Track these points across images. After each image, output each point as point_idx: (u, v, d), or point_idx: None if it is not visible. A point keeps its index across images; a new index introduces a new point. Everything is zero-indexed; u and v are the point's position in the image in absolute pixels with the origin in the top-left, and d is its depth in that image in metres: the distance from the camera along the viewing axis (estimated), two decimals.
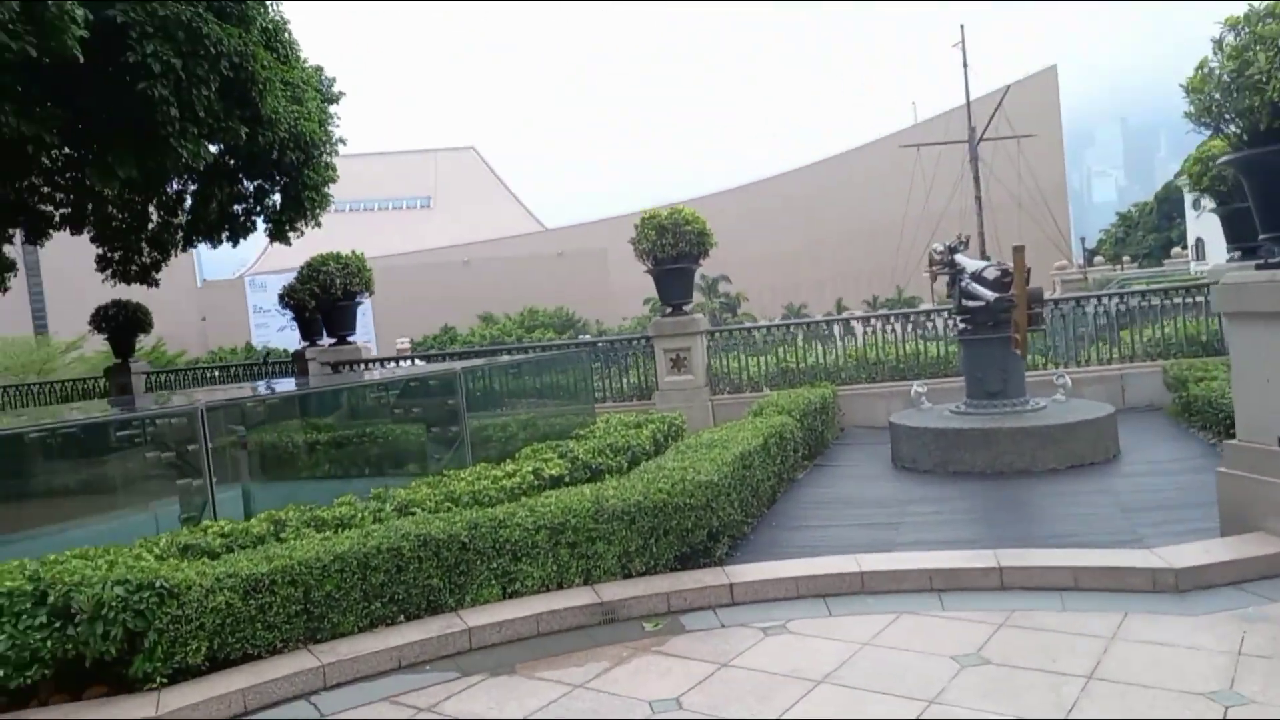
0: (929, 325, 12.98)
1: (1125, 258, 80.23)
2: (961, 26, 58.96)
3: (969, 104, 59.61)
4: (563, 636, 5.31)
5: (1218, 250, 63.65)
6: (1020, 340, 8.34)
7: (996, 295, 8.20)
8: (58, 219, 15.99)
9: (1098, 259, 77.30)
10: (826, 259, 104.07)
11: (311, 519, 5.96)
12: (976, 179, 58.00)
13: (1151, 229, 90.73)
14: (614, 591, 5.58)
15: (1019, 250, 8.16)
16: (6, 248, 16.49)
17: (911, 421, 9.45)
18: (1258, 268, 5.53)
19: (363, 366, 14.28)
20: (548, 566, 5.65)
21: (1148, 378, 11.65)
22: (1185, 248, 72.65)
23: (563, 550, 5.67)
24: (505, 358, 12.48)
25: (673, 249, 12.38)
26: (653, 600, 5.52)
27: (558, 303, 75.51)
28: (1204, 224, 72.00)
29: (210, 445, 6.35)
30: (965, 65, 60.69)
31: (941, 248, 10.27)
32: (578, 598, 5.53)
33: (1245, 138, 5.33)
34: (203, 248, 17.82)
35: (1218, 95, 5.30)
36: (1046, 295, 9.62)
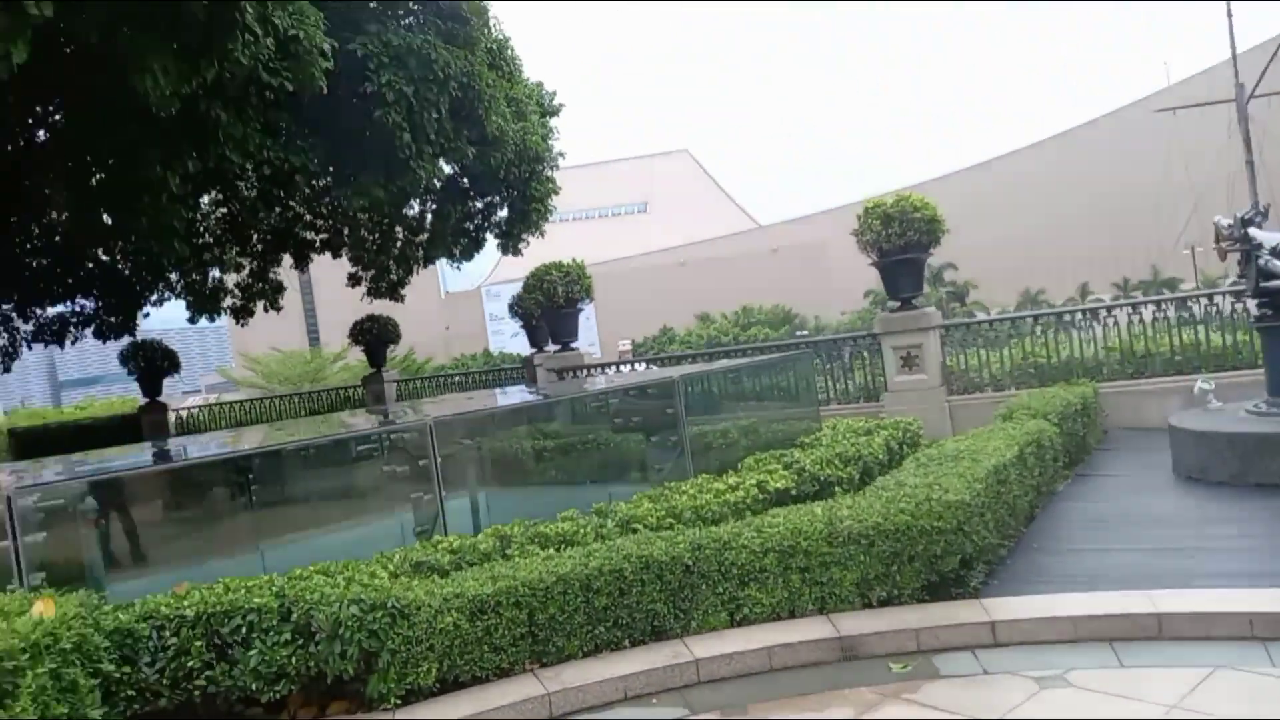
0: (1211, 310, 11.20)
1: None
2: None
3: (1235, 56, 52.63)
4: (797, 673, 4.82)
5: None
6: None
7: None
8: (318, 243, 17.58)
9: None
10: (1067, 240, 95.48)
11: (535, 535, 5.85)
12: (1248, 141, 51.09)
13: None
14: (853, 624, 5.02)
15: None
16: (278, 271, 18.37)
17: (1199, 424, 8.08)
18: None
19: (585, 372, 14.45)
20: (777, 593, 5.18)
21: None
22: None
23: (794, 576, 5.18)
24: (723, 362, 12.10)
25: (899, 239, 11.50)
26: (899, 637, 4.90)
27: (774, 299, 74.45)
28: None
29: (440, 458, 6.44)
30: (1229, 13, 53.71)
31: (1229, 221, 8.75)
32: (813, 630, 5.02)
33: None
34: (444, 261, 18.98)
35: None
36: None
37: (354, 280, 18.31)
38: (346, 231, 16.85)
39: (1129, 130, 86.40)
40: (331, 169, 12.71)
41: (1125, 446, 9.96)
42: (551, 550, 5.56)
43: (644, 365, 16.83)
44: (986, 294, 75.45)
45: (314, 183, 13.78)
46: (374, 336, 18.63)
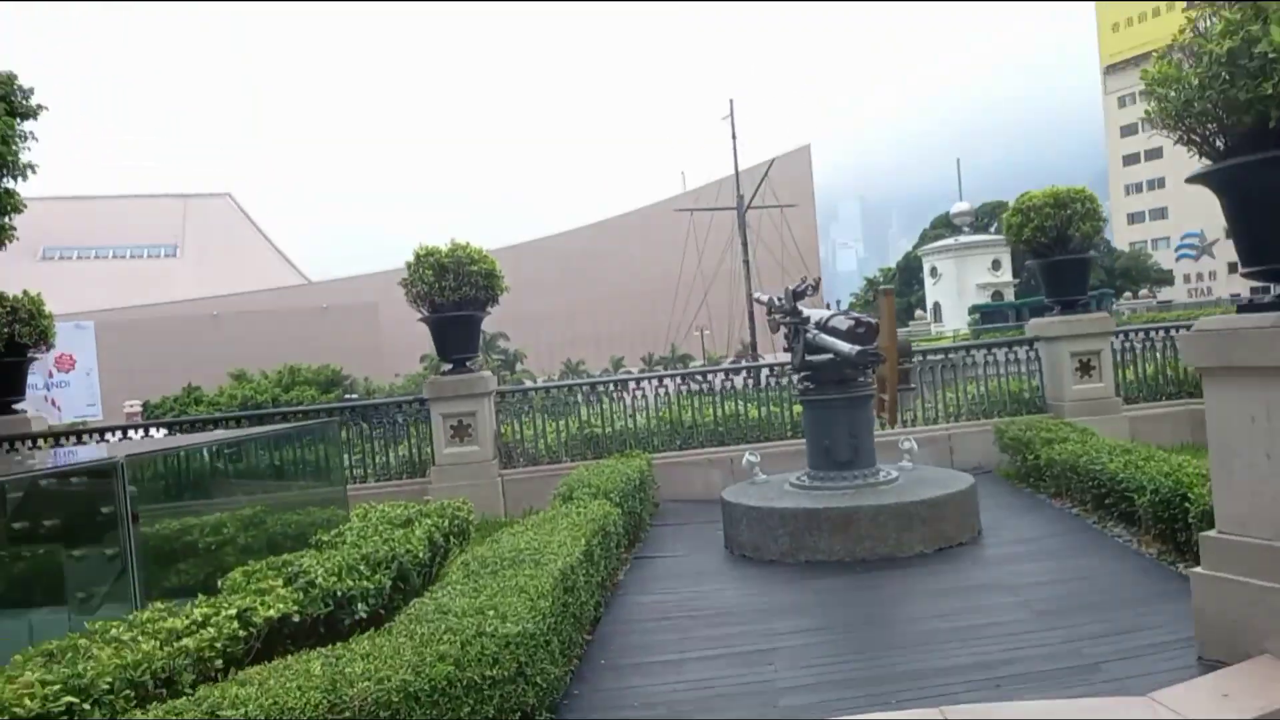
0: (727, 384, 11.56)
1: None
2: (730, 101, 61.45)
3: (737, 173, 62.12)
4: None
5: (953, 315, 69.82)
6: (890, 402, 6.93)
7: (859, 348, 6.75)
8: None
9: None
10: (603, 316, 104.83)
11: None
12: (745, 243, 60.16)
13: (895, 294, 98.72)
14: None
15: (887, 294, 6.79)
16: None
17: (752, 500, 7.77)
18: (1241, 309, 4.27)
19: (27, 445, 10.65)
20: None
21: (975, 437, 10.82)
22: (925, 311, 79.36)
23: None
24: (219, 433, 9.57)
25: (454, 293, 10.20)
26: None
27: (324, 359, 69.82)
28: (940, 289, 79.31)
29: None
30: (734, 137, 63.30)
31: (765, 297, 8.86)
32: None
33: (1228, 143, 4.07)
34: None
35: (1195, 82, 4.01)
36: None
37: None
38: None
39: (655, 223, 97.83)
40: None
41: (677, 519, 9.56)
42: None
43: (158, 430, 13.26)
44: (535, 363, 78.80)
45: None
46: None
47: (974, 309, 62.20)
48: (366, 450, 10.68)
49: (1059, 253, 10.75)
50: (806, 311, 8.05)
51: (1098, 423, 10.09)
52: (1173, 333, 11.21)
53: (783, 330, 8.10)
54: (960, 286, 74.53)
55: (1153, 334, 11.23)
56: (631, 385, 11.27)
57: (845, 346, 6.94)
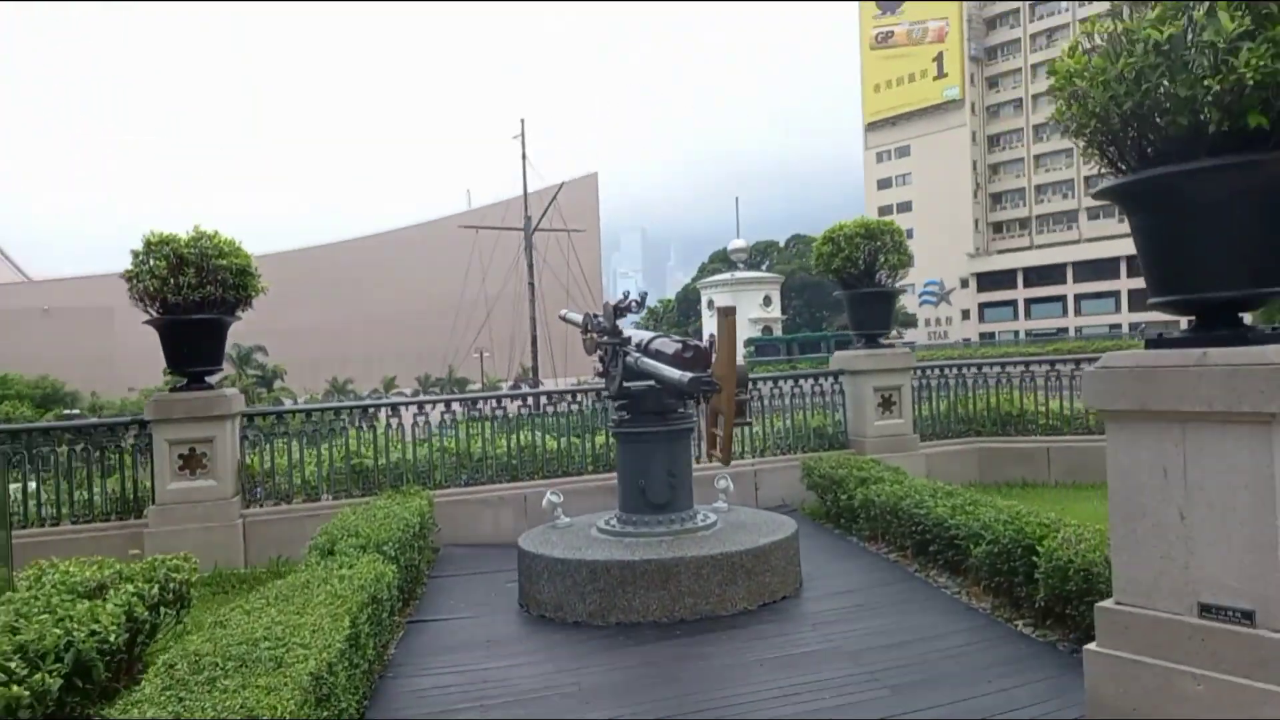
0: (524, 410, 10.41)
1: None
2: (522, 120, 60.70)
3: (526, 194, 61.33)
4: None
5: None
6: (724, 439, 6.04)
7: (691, 375, 5.82)
8: None
9: None
10: (377, 335, 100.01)
11: None
12: (531, 266, 59.37)
13: (673, 324, 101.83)
14: None
15: (728, 315, 5.92)
16: None
17: (556, 550, 6.62)
18: (1152, 345, 3.71)
19: None
20: None
21: (780, 473, 10.32)
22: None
23: None
24: None
25: (195, 291, 8.33)
26: None
27: (44, 370, 60.91)
28: (717, 322, 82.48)
29: None
30: (524, 157, 62.58)
31: (581, 316, 7.84)
32: None
33: (1154, 149, 3.50)
34: None
35: (1120, 89, 3.41)
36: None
37: None
38: None
39: (437, 240, 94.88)
40: None
41: (461, 568, 8.22)
42: None
43: None
44: (297, 381, 73.39)
45: None
46: None
47: (749, 341, 64.89)
48: (61, 483, 8.44)
49: (866, 285, 10.55)
50: (627, 331, 7.08)
51: (898, 459, 9.89)
52: (964, 370, 11.36)
53: (599, 354, 7.07)
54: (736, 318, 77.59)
55: (947, 371, 11.31)
56: (411, 410, 9.80)
57: (674, 373, 6.00)
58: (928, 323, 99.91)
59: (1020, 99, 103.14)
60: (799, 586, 6.82)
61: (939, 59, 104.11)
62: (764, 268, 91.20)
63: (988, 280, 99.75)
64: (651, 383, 6.88)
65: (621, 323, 6.94)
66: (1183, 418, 3.49)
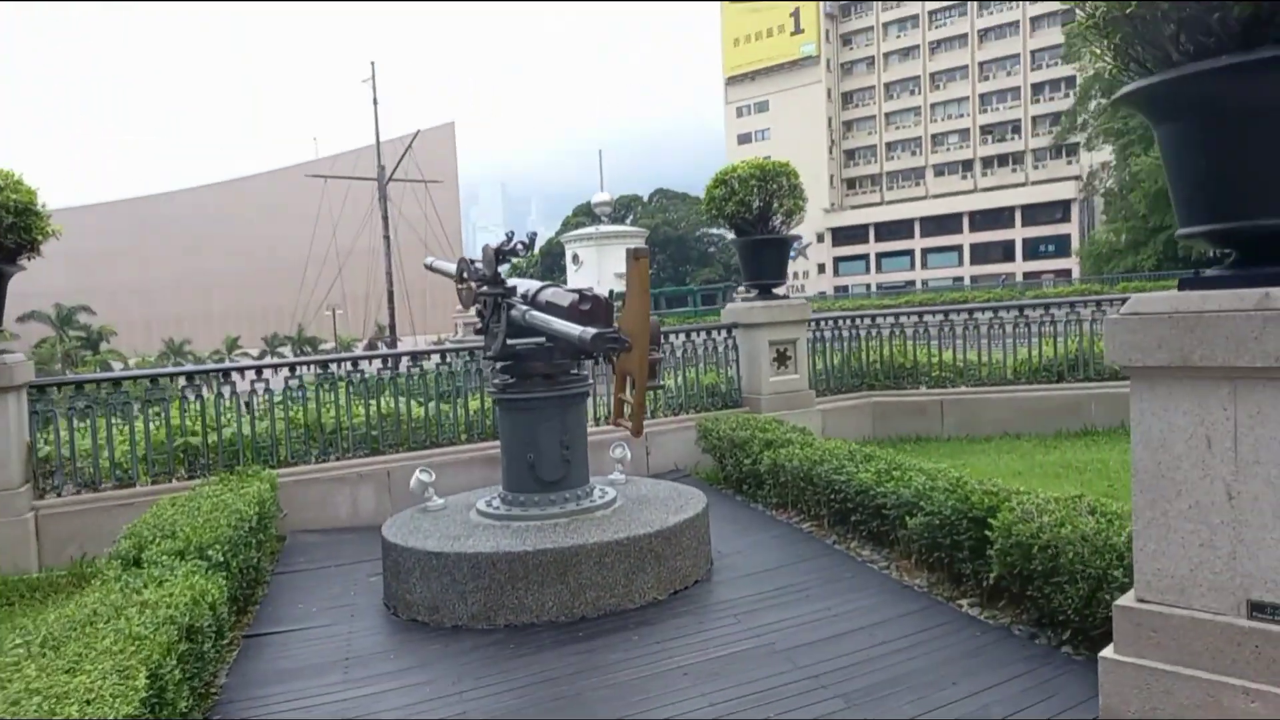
0: (385, 373, 9.17)
1: None
2: (372, 63, 57.11)
3: (378, 140, 58.01)
4: None
5: None
6: (636, 405, 5.09)
7: (595, 331, 4.83)
8: None
9: None
10: (218, 292, 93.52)
11: None
12: (386, 218, 56.46)
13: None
14: None
15: (639, 258, 4.92)
16: None
17: (429, 541, 5.54)
18: (1189, 285, 3.00)
19: None
20: None
21: (672, 436, 9.54)
22: None
23: None
24: None
25: None
26: None
27: None
28: (582, 277, 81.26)
29: None
30: (375, 102, 59.12)
31: (455, 264, 6.69)
32: None
33: (1192, 46, 2.74)
34: None
35: None
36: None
37: None
38: None
39: (283, 191, 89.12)
40: None
41: (313, 560, 7.01)
42: None
43: None
44: (127, 342, 67.58)
45: None
46: None
47: (615, 295, 64.04)
48: None
49: (760, 231, 9.80)
50: (512, 281, 6.00)
51: (794, 417, 9.30)
52: (857, 322, 10.86)
53: (476, 307, 5.96)
54: (600, 274, 76.72)
55: (840, 323, 10.77)
56: (249, 375, 8.36)
57: (573, 329, 5.00)
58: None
59: (873, 57, 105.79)
60: (710, 568, 6.03)
61: (796, 15, 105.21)
62: (628, 222, 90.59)
63: (842, 235, 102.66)
64: (542, 340, 5.87)
65: (519, 281, 5.85)
66: (1235, 375, 2.80)
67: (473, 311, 6.06)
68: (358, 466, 8.19)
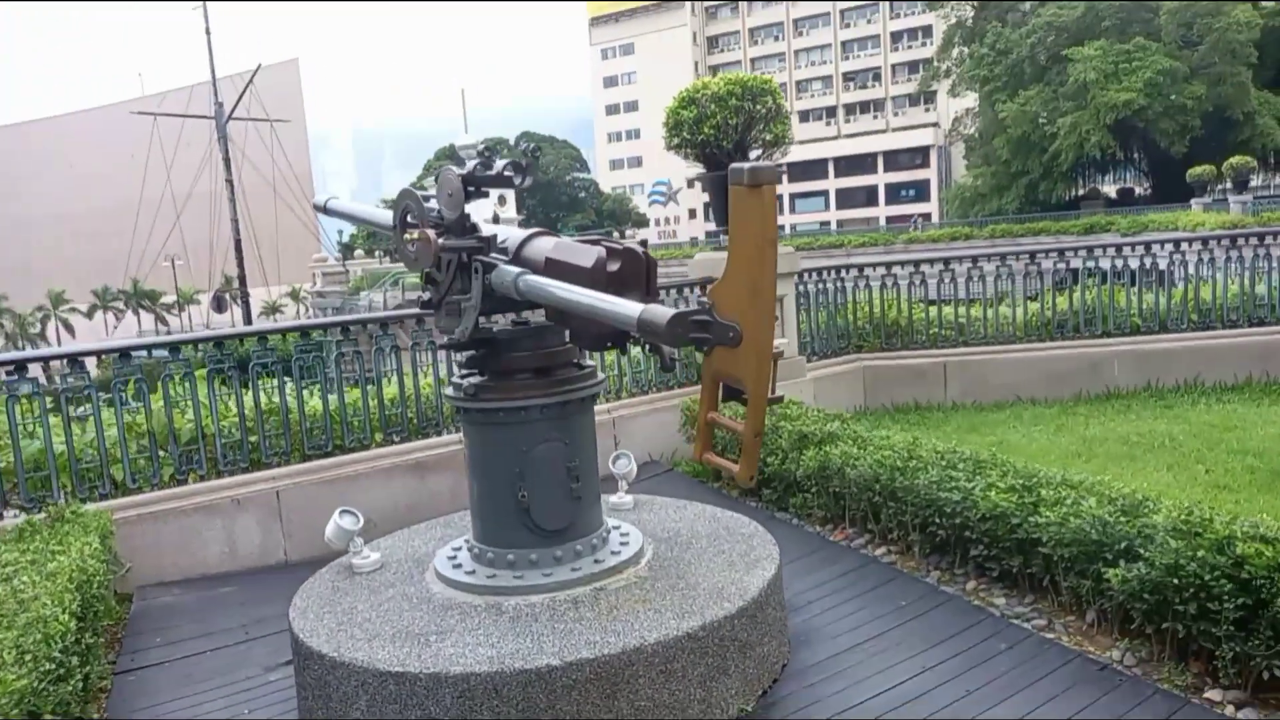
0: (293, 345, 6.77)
1: (379, 252, 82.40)
2: None
3: (214, 75, 52.38)
4: None
5: None
6: (749, 437, 3.03)
7: (674, 313, 2.76)
8: None
9: (358, 252, 76.42)
10: (37, 241, 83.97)
11: None
12: (227, 160, 51.32)
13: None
14: None
15: (761, 179, 2.86)
16: None
17: (381, 652, 3.40)
18: None
19: None
20: None
21: (642, 420, 7.61)
22: None
23: None
24: None
25: None
26: None
27: None
28: None
29: None
30: (208, 32, 53.27)
31: (361, 210, 4.46)
32: None
33: None
34: None
35: None
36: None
37: None
38: None
39: (107, 131, 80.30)
40: None
41: (173, 639, 4.72)
42: None
43: None
44: None
45: None
46: None
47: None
48: None
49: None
50: (490, 228, 3.85)
51: (785, 387, 7.53)
52: (843, 274, 9.16)
53: (428, 270, 3.78)
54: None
55: (824, 275, 9.04)
56: (61, 362, 5.81)
57: (626, 308, 2.93)
58: (658, 222, 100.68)
59: (737, 2, 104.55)
60: (788, 642, 4.18)
61: None
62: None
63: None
64: (531, 318, 3.81)
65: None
66: None
67: (421, 281, 3.87)
68: (232, 489, 5.85)
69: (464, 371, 4.01)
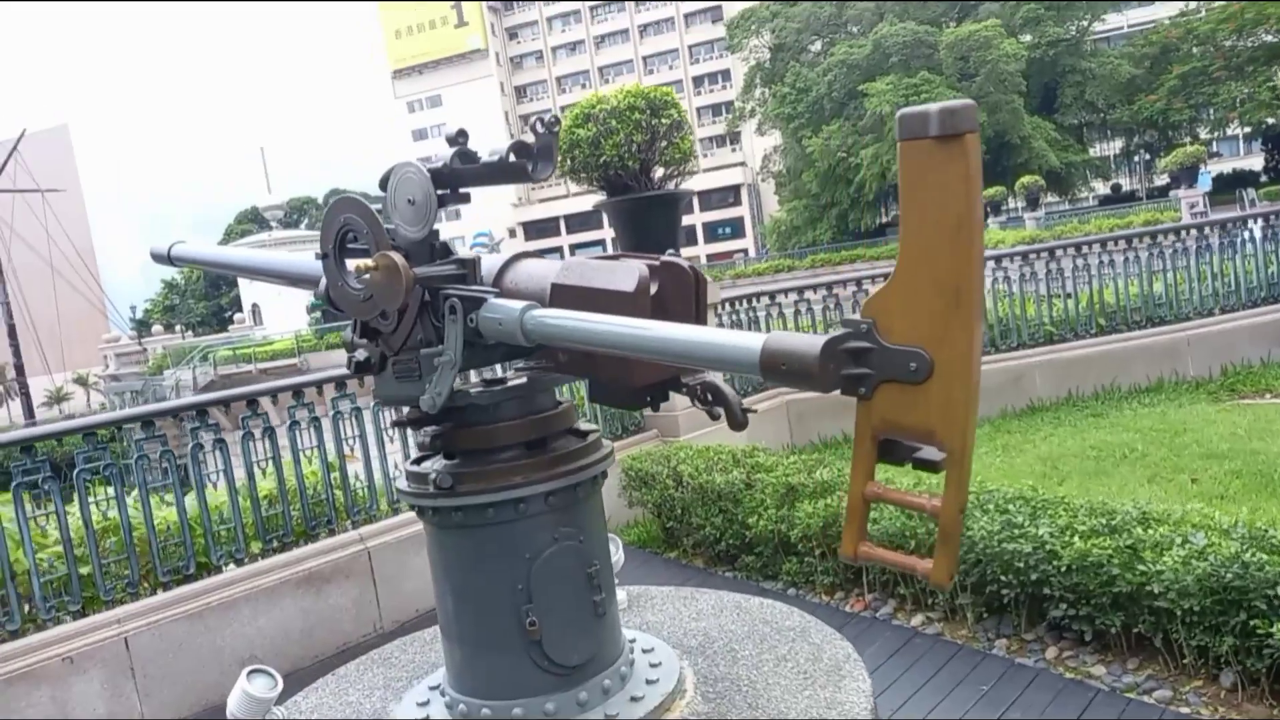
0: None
1: (179, 326, 76.60)
2: None
3: None
4: None
5: (279, 317, 63.19)
6: (947, 517, 2.12)
7: (825, 339, 1.83)
8: None
9: (156, 328, 70.10)
10: None
11: None
12: None
13: (202, 297, 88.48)
14: None
15: (959, 126, 1.98)
16: None
17: None
18: None
19: None
20: None
21: None
22: (243, 314, 71.67)
23: None
24: None
25: None
26: None
27: None
28: (257, 289, 71.93)
29: None
30: None
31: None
32: None
33: None
34: None
35: None
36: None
37: None
38: None
39: None
40: None
41: None
42: None
43: None
44: None
45: None
46: None
47: (314, 306, 57.17)
48: None
49: (645, 186, 7.06)
50: (468, 253, 2.74)
51: (710, 434, 6.78)
52: (754, 302, 8.49)
53: (378, 321, 2.63)
54: (279, 285, 67.95)
55: (738, 305, 8.33)
56: None
57: (741, 340, 1.94)
58: None
59: (541, 51, 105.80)
60: None
61: (458, 8, 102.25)
62: (303, 226, 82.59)
63: (534, 229, 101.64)
64: (500, 371, 2.77)
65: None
66: None
67: (351, 335, 2.73)
68: (61, 643, 4.30)
69: (419, 454, 2.85)
